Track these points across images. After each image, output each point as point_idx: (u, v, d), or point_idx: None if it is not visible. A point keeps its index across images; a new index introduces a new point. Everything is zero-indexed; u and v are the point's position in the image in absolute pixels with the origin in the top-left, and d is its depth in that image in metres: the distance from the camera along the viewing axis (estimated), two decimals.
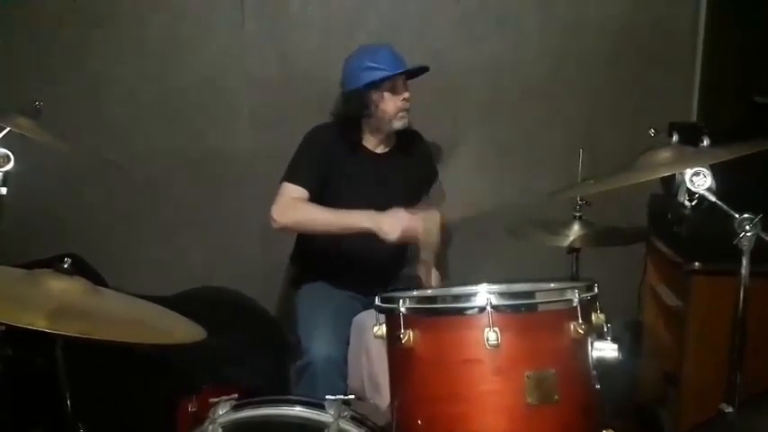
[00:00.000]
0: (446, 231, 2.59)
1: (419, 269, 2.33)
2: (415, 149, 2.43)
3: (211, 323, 1.48)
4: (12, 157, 1.64)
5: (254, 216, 2.24)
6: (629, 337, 2.57)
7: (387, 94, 2.20)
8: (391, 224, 2.02)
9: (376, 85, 2.19)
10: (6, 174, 1.64)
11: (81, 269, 1.41)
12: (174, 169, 2.80)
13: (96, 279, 1.63)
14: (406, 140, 2.38)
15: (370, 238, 2.05)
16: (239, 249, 2.84)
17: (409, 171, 2.36)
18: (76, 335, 1.21)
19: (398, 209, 2.06)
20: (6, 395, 1.77)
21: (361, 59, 2.23)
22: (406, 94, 2.23)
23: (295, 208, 2.13)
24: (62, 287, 1.33)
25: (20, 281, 1.36)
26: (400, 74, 2.21)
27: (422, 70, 2.27)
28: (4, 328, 1.69)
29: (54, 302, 1.28)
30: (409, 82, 2.27)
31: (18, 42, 2.73)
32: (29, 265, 1.43)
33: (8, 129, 1.67)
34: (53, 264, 1.37)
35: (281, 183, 2.17)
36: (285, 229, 2.16)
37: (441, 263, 2.46)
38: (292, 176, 2.17)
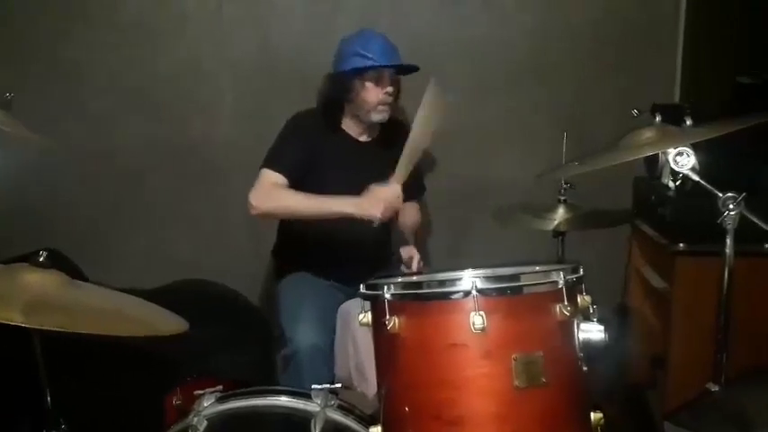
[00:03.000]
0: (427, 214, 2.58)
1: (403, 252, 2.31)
2: (400, 144, 2.40)
3: (196, 315, 1.46)
4: None
5: (237, 206, 2.21)
6: (616, 320, 2.57)
7: (369, 84, 2.17)
8: (372, 204, 2.01)
9: (360, 72, 2.16)
10: None
11: (58, 263, 1.38)
12: (155, 160, 2.77)
13: (75, 273, 1.61)
14: (391, 132, 2.34)
15: (351, 227, 2.03)
16: (223, 240, 2.81)
17: (391, 163, 2.33)
18: (52, 328, 1.18)
19: (371, 187, 2.03)
20: None
21: (352, 44, 2.20)
22: (390, 89, 2.19)
23: (273, 194, 2.11)
24: (38, 280, 1.31)
25: None
26: (386, 67, 2.17)
27: (412, 68, 2.24)
28: None
29: (29, 296, 1.26)
30: None
31: None
32: (7, 262, 1.40)
33: None
34: (28, 257, 1.34)
35: (260, 169, 2.14)
36: (264, 216, 2.14)
37: (421, 248, 2.45)
38: (271, 162, 2.14)
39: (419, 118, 1.96)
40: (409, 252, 2.29)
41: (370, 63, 2.15)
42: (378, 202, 2.00)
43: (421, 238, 2.61)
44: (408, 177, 2.37)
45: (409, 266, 2.23)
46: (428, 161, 2.68)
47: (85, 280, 1.79)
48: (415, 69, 2.24)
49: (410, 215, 2.43)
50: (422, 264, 2.26)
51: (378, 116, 2.21)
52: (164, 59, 2.73)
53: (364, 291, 1.39)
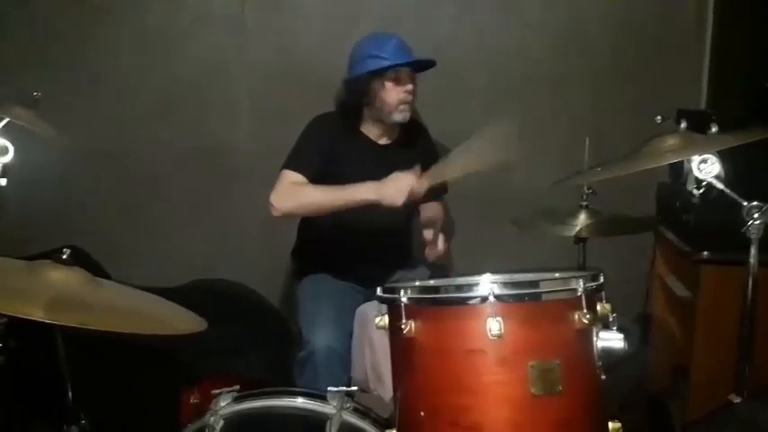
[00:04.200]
0: (448, 219, 2.56)
1: (427, 245, 2.29)
2: (420, 145, 2.39)
3: (214, 314, 1.47)
4: (11, 148, 1.63)
5: (255, 208, 2.23)
6: (638, 328, 2.54)
7: (389, 84, 2.17)
8: (395, 190, 1.99)
9: (378, 74, 2.16)
10: (6, 165, 1.63)
11: (81, 260, 1.40)
12: (174, 161, 2.80)
13: (97, 270, 1.63)
14: (411, 134, 2.34)
15: (371, 227, 2.03)
16: (241, 241, 2.83)
17: (412, 166, 2.32)
18: (74, 325, 1.20)
19: (397, 173, 2.01)
20: (10, 387, 1.77)
21: (367, 47, 2.20)
22: (410, 87, 2.18)
23: (293, 192, 2.11)
24: (61, 278, 1.32)
25: (18, 272, 1.36)
26: (404, 65, 2.17)
27: (428, 64, 2.23)
28: (6, 320, 1.69)
29: (52, 293, 1.28)
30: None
31: (17, 33, 2.73)
32: (30, 259, 1.42)
33: (7, 119, 1.66)
34: (52, 255, 1.36)
35: (280, 170, 2.16)
36: (286, 216, 2.14)
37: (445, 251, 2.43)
38: (292, 163, 2.15)
39: (477, 143, 1.94)
40: (433, 211, 2.25)
41: (386, 63, 2.15)
42: (398, 189, 1.98)
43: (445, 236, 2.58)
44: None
45: (434, 249, 2.20)
46: None
47: (107, 277, 1.81)
48: (433, 64, 2.23)
49: (432, 211, 2.42)
50: (446, 245, 2.23)
51: (399, 116, 2.21)
52: (184, 64, 2.76)
53: (381, 294, 1.38)
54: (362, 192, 2.02)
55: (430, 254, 2.20)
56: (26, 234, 2.51)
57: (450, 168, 2.02)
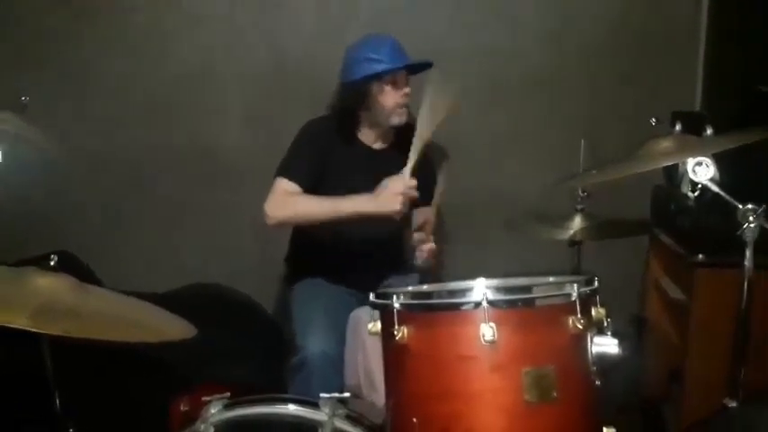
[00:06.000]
0: (442, 225, 2.54)
1: (415, 240, 2.27)
2: None
3: (206, 319, 1.46)
4: None
5: (247, 212, 2.21)
6: (633, 332, 2.53)
7: (387, 88, 2.15)
8: (390, 198, 1.98)
9: (376, 77, 2.14)
10: None
11: (70, 266, 1.39)
12: (165, 165, 2.77)
13: (87, 276, 1.61)
14: (406, 138, 2.32)
15: (365, 232, 2.02)
16: (233, 246, 2.80)
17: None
18: (60, 333, 1.18)
19: (384, 181, 2.01)
20: None
21: (362, 50, 2.18)
22: (407, 89, 2.18)
23: (288, 202, 2.10)
24: (47, 285, 1.31)
25: (4, 278, 1.34)
26: (402, 68, 2.16)
27: (425, 66, 2.22)
28: None
29: (38, 300, 1.26)
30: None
31: (2, 36, 2.70)
32: (17, 265, 1.40)
33: None
34: (38, 261, 1.34)
35: (274, 178, 2.13)
36: (280, 225, 2.13)
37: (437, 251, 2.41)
38: (285, 171, 2.13)
39: (424, 106, 1.96)
40: (425, 215, 2.24)
41: (383, 67, 2.13)
42: (394, 195, 1.99)
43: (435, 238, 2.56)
44: (423, 180, 2.35)
45: (424, 249, 2.18)
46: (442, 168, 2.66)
47: (97, 282, 1.79)
48: (429, 65, 2.21)
49: (423, 216, 2.39)
50: (435, 247, 2.20)
51: (397, 119, 2.20)
52: (173, 64, 2.74)
53: (373, 299, 1.37)
54: (358, 204, 2.02)
55: (420, 254, 2.18)
56: (15, 239, 2.48)
57: (417, 145, 2.02)
